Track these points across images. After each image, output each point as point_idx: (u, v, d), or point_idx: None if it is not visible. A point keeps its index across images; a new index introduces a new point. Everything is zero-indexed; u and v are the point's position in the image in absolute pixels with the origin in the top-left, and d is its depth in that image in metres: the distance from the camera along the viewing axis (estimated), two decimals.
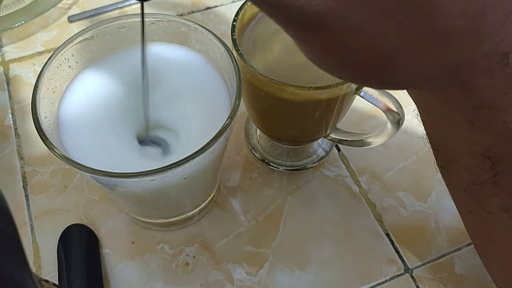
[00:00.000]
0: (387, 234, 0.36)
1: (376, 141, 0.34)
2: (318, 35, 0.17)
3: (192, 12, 0.49)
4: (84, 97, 0.29)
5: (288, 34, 0.19)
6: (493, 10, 0.16)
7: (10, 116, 0.41)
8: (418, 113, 0.23)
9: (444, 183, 0.38)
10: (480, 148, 0.21)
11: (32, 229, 0.35)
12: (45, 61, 0.27)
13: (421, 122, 0.24)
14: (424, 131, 0.24)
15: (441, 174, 0.25)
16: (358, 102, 0.32)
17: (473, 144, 0.21)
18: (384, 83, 0.20)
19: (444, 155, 0.24)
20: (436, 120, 0.22)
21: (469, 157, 0.21)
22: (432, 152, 0.25)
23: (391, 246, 0.35)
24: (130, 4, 0.49)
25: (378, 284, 0.34)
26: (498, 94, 0.18)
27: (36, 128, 0.25)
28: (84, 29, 0.28)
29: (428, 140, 0.24)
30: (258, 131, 0.40)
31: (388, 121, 0.32)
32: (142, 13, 0.24)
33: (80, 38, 0.28)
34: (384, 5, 0.16)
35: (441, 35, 0.16)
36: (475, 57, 0.17)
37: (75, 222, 0.35)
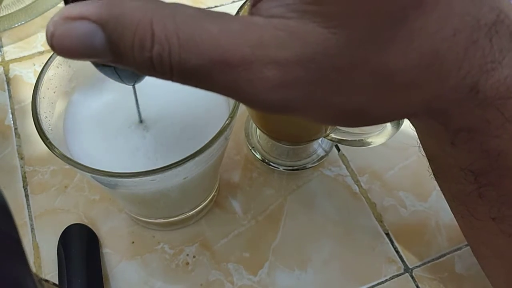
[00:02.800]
0: (387, 234, 0.36)
1: (376, 141, 0.34)
2: (291, 113, 0.19)
3: None
4: (86, 97, 0.29)
5: None
6: (448, 50, 0.17)
7: (10, 116, 0.41)
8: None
9: None
10: (462, 163, 0.22)
11: (32, 229, 0.36)
12: (45, 61, 0.27)
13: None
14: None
15: (436, 181, 0.26)
16: None
17: (456, 160, 0.22)
18: (367, 125, 0.21)
19: (435, 165, 0.25)
20: (423, 136, 0.23)
21: (455, 170, 0.22)
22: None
23: (391, 246, 0.35)
24: None
25: (378, 284, 0.34)
26: (474, 119, 0.19)
27: (36, 128, 0.25)
28: None
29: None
30: (258, 131, 0.40)
31: None
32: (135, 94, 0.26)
33: None
34: (340, 82, 0.17)
35: (404, 86, 0.18)
36: (444, 93, 0.18)
37: (75, 222, 0.35)
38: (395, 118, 0.21)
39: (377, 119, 0.20)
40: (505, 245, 0.24)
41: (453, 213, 0.27)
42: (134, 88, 0.25)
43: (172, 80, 0.17)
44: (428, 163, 0.25)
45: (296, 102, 0.18)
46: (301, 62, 0.16)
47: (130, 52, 0.16)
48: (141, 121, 0.28)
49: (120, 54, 0.16)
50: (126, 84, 0.22)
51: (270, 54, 0.16)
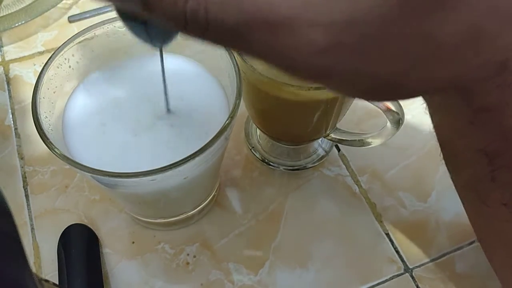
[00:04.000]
0: (387, 234, 0.36)
1: (376, 141, 0.34)
2: (327, 81, 0.18)
3: None
4: (86, 97, 0.29)
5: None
6: (487, 24, 0.17)
7: (10, 116, 0.41)
8: (427, 107, 0.24)
9: (444, 183, 0.38)
10: (478, 144, 0.21)
11: (32, 229, 0.36)
12: (45, 61, 0.27)
13: (429, 115, 0.24)
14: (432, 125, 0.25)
15: (447, 168, 0.26)
16: (358, 102, 0.32)
17: (472, 141, 0.22)
18: (393, 99, 0.21)
19: (446, 149, 0.24)
20: (439, 116, 0.23)
21: (469, 152, 0.22)
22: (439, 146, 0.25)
23: (391, 246, 0.35)
24: None
25: (378, 284, 0.34)
26: (496, 98, 0.19)
27: (36, 128, 0.25)
28: (84, 29, 0.28)
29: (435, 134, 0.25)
30: (258, 131, 0.40)
31: (388, 121, 0.32)
32: (161, 56, 0.25)
33: (81, 38, 0.28)
34: (383, 48, 0.16)
35: (446, 57, 0.17)
36: (475, 68, 0.18)
37: (75, 222, 0.35)
38: (427, 91, 0.20)
39: (410, 92, 0.19)
40: None
41: (462, 202, 0.27)
42: (163, 74, 0.25)
43: (204, 38, 0.16)
44: (440, 148, 0.25)
45: (336, 69, 0.17)
46: (350, 26, 0.15)
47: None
48: (168, 110, 0.28)
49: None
50: (154, 45, 0.21)
51: (317, 15, 0.15)
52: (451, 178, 0.26)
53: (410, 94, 0.20)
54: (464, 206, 0.27)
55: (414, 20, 0.16)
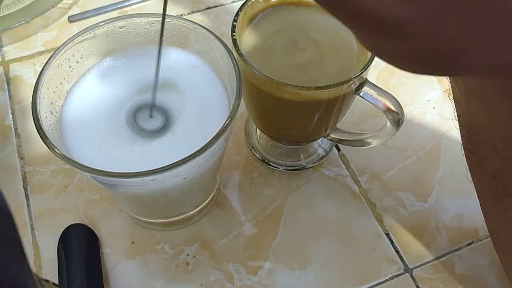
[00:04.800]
0: (387, 234, 0.36)
1: (376, 141, 0.34)
2: (396, 41, 0.17)
3: (192, 12, 0.49)
4: (85, 97, 0.29)
5: (358, 38, 0.18)
6: None
7: (10, 116, 0.41)
8: (451, 92, 0.23)
9: (444, 183, 0.38)
10: None
11: (32, 229, 0.36)
12: (45, 61, 0.27)
13: (453, 101, 0.24)
14: (455, 112, 0.24)
15: (467, 158, 0.25)
16: (358, 102, 0.32)
17: (511, 130, 0.21)
18: (448, 73, 0.20)
19: (476, 138, 0.24)
20: (474, 102, 0.22)
21: (504, 142, 0.21)
22: (460, 134, 0.25)
23: (391, 246, 0.35)
24: (130, 4, 0.49)
25: (378, 284, 0.34)
26: None
27: (36, 128, 0.25)
28: (84, 29, 0.28)
29: (458, 121, 0.24)
30: (258, 131, 0.40)
31: (388, 121, 0.32)
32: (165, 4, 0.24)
33: (80, 38, 0.28)
34: (465, 9, 0.16)
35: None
36: None
37: (75, 222, 0.35)
38: (488, 67, 0.19)
39: (468, 66, 0.18)
40: None
41: (479, 194, 0.26)
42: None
43: None
44: (463, 139, 0.24)
45: (410, 24, 0.16)
46: None
47: None
48: (154, 104, 0.28)
49: None
50: None
51: None
52: (471, 168, 0.25)
53: (464, 69, 0.19)
54: (480, 197, 0.27)
55: None
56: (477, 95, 0.22)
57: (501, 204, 0.25)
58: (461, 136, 0.25)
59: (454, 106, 0.24)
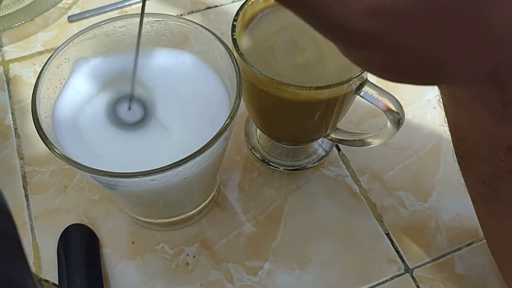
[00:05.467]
0: (387, 234, 0.36)
1: (376, 141, 0.34)
2: (372, 53, 0.17)
3: (192, 12, 0.49)
4: (85, 97, 0.29)
5: (340, 51, 0.19)
6: None
7: (10, 116, 0.41)
8: (440, 100, 0.23)
9: (444, 183, 0.38)
10: (504, 141, 0.21)
11: (32, 229, 0.35)
12: (45, 61, 0.27)
13: (443, 109, 0.24)
14: (445, 119, 0.24)
15: (459, 164, 0.25)
16: (358, 102, 0.32)
17: (497, 137, 0.21)
18: (430, 82, 0.20)
19: (465, 144, 0.24)
20: (460, 110, 0.22)
21: (491, 149, 0.22)
22: (451, 140, 0.25)
23: (391, 246, 0.35)
24: (130, 4, 0.49)
25: (378, 284, 0.34)
26: None
27: (36, 128, 0.25)
28: (84, 29, 0.28)
29: (448, 128, 0.24)
30: (258, 131, 0.40)
31: (388, 121, 0.32)
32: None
33: (80, 38, 0.28)
34: (437, 21, 0.16)
35: (489, 43, 0.17)
36: None
37: (75, 222, 0.35)
38: (464, 79, 0.19)
39: (447, 77, 0.19)
40: None
41: (472, 200, 0.26)
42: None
43: None
44: (454, 146, 0.24)
45: (383, 35, 0.16)
46: None
47: None
48: (132, 97, 0.28)
49: None
50: None
51: None
52: (463, 174, 0.26)
53: (444, 79, 0.19)
54: (474, 203, 0.27)
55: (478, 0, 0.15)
56: (461, 103, 0.22)
57: (493, 210, 0.25)
58: (452, 142, 0.25)
59: (444, 113, 0.24)
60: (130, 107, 0.28)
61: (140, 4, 0.24)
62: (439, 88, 0.23)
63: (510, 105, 0.19)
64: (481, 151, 0.23)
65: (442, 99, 0.23)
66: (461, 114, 0.23)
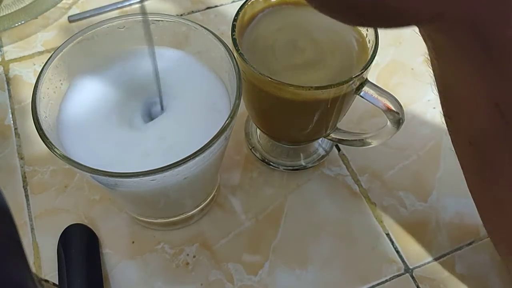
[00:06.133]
0: (387, 234, 0.36)
1: (376, 140, 0.34)
2: None
3: (192, 12, 0.49)
4: (84, 97, 0.29)
5: None
6: None
7: (10, 116, 0.41)
8: (428, 57, 0.23)
9: (444, 182, 0.38)
10: (489, 94, 0.20)
11: (32, 229, 0.35)
12: (45, 61, 0.27)
13: (430, 66, 0.23)
14: (433, 77, 0.23)
15: (447, 125, 0.25)
16: (358, 102, 0.32)
17: (481, 90, 0.20)
18: (383, 24, 0.19)
19: (451, 102, 0.23)
20: (445, 64, 0.22)
21: (477, 104, 0.21)
22: (440, 102, 0.24)
23: (391, 246, 0.35)
24: (130, 4, 0.49)
25: (378, 284, 0.34)
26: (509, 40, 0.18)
27: (36, 128, 0.25)
28: (84, 29, 0.28)
29: (436, 87, 0.24)
30: (258, 131, 0.40)
31: (388, 120, 0.32)
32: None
33: (80, 38, 0.28)
34: None
35: None
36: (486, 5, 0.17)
37: (75, 222, 0.35)
38: (421, 16, 0.18)
39: (402, 15, 0.18)
40: None
41: (462, 166, 0.26)
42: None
43: None
44: (442, 105, 0.23)
45: None
46: None
47: None
48: (162, 108, 0.28)
49: None
50: None
51: None
52: (452, 137, 0.25)
53: (399, 18, 0.18)
54: (463, 169, 0.26)
55: None
56: (444, 55, 0.21)
57: (481, 176, 0.24)
58: (440, 103, 0.24)
59: (432, 71, 0.23)
60: (152, 115, 0.28)
61: (140, 4, 0.24)
62: (425, 43, 0.22)
63: (488, 49, 0.18)
64: (467, 108, 0.22)
65: (430, 57, 0.22)
66: (446, 69, 0.22)
